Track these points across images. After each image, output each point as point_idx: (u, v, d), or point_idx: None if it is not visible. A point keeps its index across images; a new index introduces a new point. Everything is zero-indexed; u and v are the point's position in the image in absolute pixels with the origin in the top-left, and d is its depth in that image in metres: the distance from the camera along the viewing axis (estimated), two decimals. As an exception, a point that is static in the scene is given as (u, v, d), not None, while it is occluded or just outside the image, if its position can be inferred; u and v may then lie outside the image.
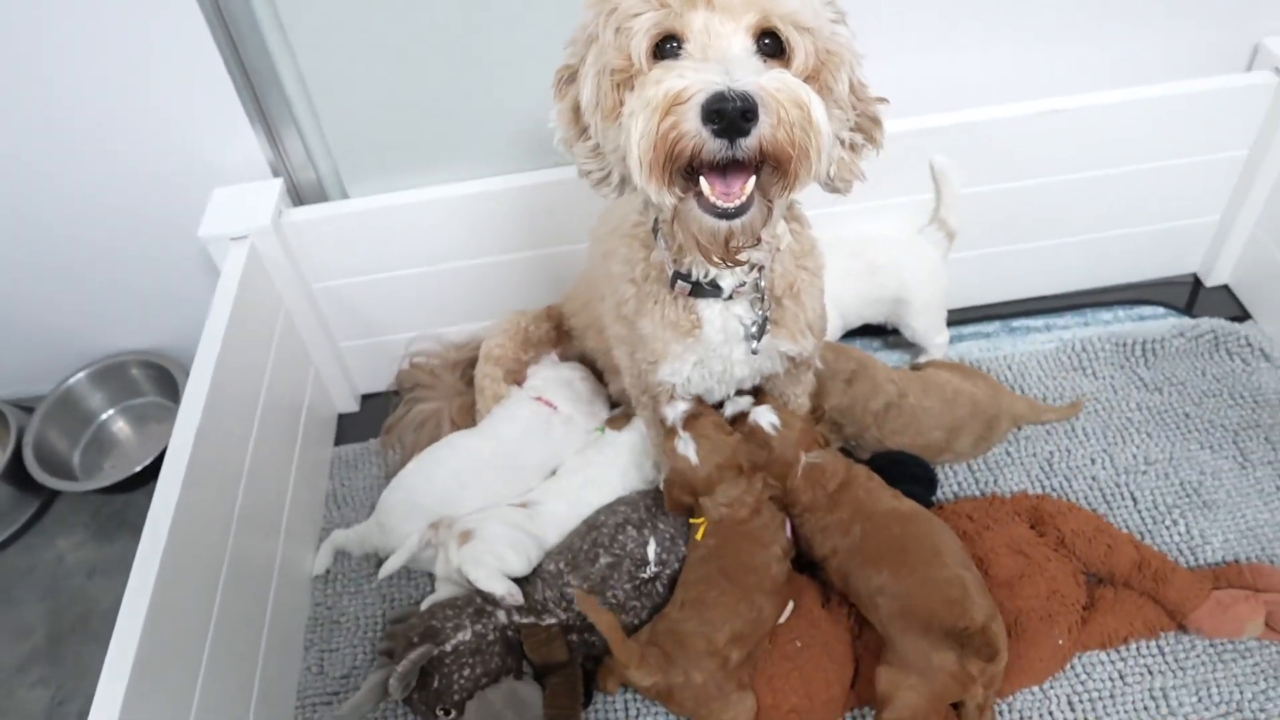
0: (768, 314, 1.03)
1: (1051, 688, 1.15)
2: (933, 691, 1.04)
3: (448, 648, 1.08)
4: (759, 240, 0.88)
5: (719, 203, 0.81)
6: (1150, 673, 1.16)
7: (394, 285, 1.48)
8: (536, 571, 1.21)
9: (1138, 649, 1.18)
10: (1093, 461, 1.38)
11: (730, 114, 0.74)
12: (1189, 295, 1.62)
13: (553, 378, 1.40)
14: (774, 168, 0.80)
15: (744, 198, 0.82)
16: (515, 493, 1.32)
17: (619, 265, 1.07)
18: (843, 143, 0.89)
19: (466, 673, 1.08)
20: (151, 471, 1.54)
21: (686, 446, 1.16)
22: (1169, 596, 1.17)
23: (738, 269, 0.98)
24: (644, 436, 1.31)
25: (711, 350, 1.05)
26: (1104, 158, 1.46)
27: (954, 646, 1.03)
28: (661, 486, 1.23)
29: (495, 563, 1.19)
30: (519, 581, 1.19)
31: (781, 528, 1.19)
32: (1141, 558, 1.19)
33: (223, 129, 1.35)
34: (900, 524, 1.12)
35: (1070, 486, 1.35)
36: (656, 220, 1.00)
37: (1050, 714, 1.14)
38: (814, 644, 1.12)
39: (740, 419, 1.18)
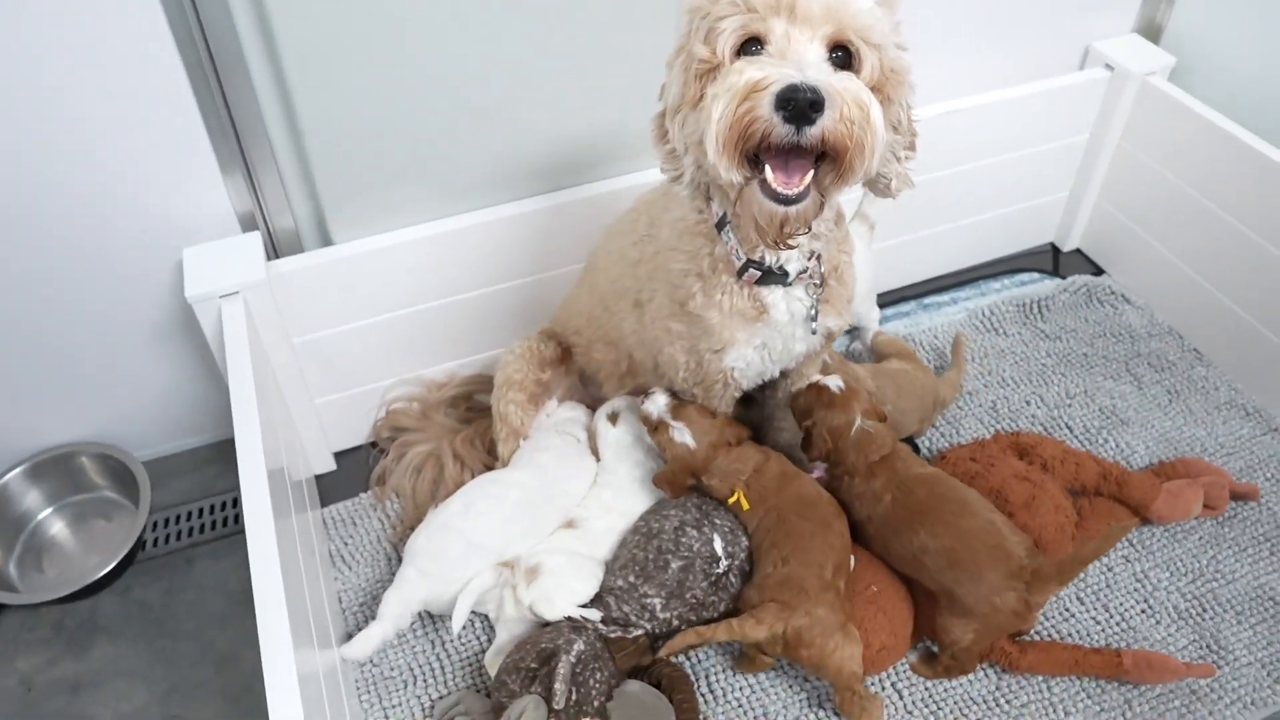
0: (819, 295, 1.15)
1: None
2: (997, 628, 1.18)
3: (573, 658, 1.10)
4: (809, 228, 1.00)
5: (780, 189, 0.93)
6: (1129, 560, 1.38)
7: (373, 331, 1.46)
8: (604, 589, 1.23)
9: (1115, 547, 1.39)
10: (1028, 403, 1.61)
11: (800, 103, 0.85)
12: (1053, 261, 1.92)
13: (565, 417, 1.44)
14: (831, 162, 0.92)
15: (802, 186, 0.93)
16: (559, 520, 1.35)
17: (681, 263, 1.15)
18: (897, 158, 1.03)
19: (599, 676, 1.10)
20: (114, 573, 1.41)
21: (683, 434, 1.26)
22: (1132, 496, 1.39)
23: (799, 256, 1.10)
24: (634, 424, 1.38)
25: (777, 332, 1.15)
26: (979, 150, 1.72)
27: (1015, 586, 1.15)
28: (655, 480, 1.31)
29: (567, 596, 1.21)
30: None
31: (801, 465, 1.31)
32: (1103, 469, 1.40)
33: (189, 183, 1.29)
34: (925, 486, 1.25)
35: (1018, 425, 1.56)
36: (724, 215, 1.09)
37: (1066, 609, 1.32)
38: (886, 586, 1.23)
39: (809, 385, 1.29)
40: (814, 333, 1.16)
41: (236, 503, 1.53)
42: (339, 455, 1.58)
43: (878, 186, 1.05)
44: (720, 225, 1.12)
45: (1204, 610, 1.32)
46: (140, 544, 1.47)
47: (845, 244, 1.16)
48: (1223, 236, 1.60)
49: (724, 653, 1.28)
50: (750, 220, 0.98)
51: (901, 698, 1.24)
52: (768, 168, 0.92)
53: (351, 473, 1.56)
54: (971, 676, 1.25)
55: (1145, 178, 1.73)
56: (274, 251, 1.39)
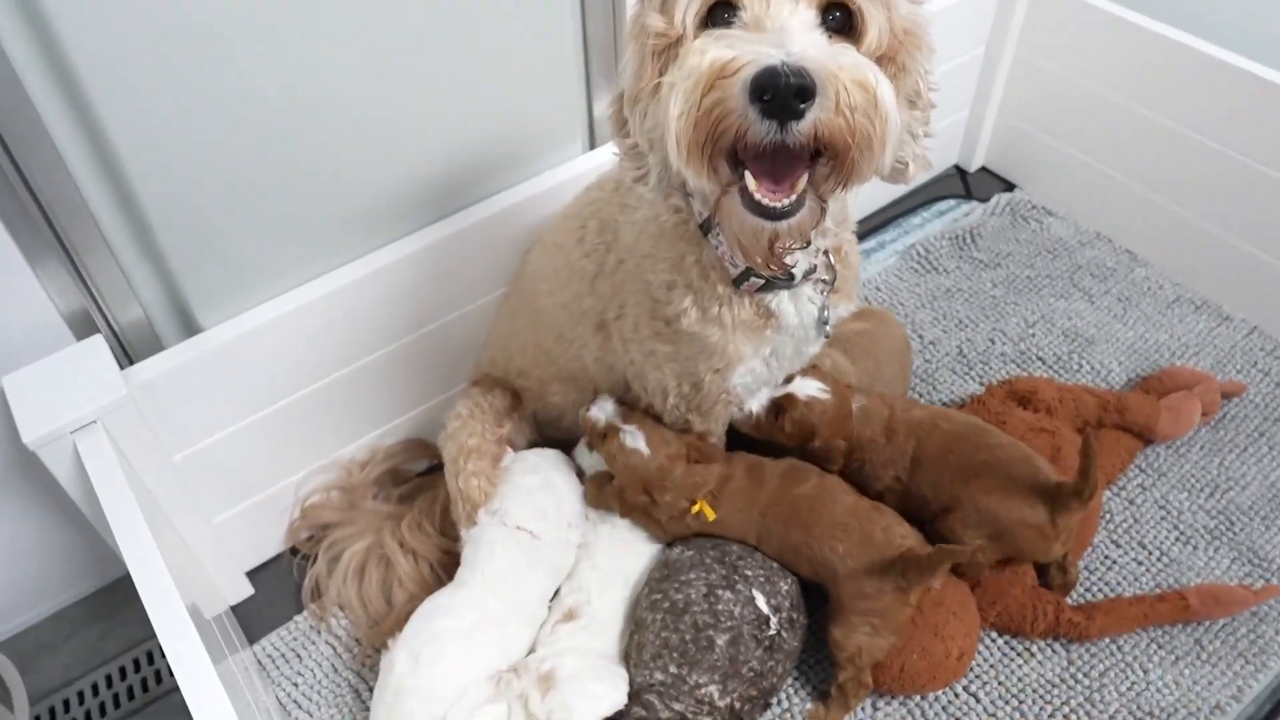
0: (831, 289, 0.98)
1: (1094, 534, 1.26)
2: (1019, 549, 1.09)
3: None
4: (808, 241, 0.82)
5: (765, 200, 0.73)
6: (1145, 488, 1.31)
7: (270, 424, 1.19)
8: (640, 688, 1.02)
9: (1128, 476, 1.32)
10: (993, 342, 1.52)
11: (782, 91, 0.65)
12: (962, 184, 1.84)
13: (515, 496, 1.16)
14: (830, 158, 0.73)
15: (793, 196, 0.74)
16: (531, 632, 1.12)
17: (661, 273, 0.95)
18: (914, 137, 0.84)
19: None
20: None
21: (635, 439, 1.10)
22: (1134, 420, 1.32)
23: (805, 254, 0.92)
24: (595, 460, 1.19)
25: (788, 338, 0.98)
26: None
27: (1045, 501, 1.06)
28: (588, 496, 1.17)
29: (590, 706, 1.00)
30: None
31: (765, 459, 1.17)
32: (1100, 400, 1.33)
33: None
34: (943, 420, 1.15)
35: (989, 368, 1.47)
36: (711, 216, 0.90)
37: (1106, 557, 1.24)
38: (944, 581, 1.10)
39: (786, 405, 1.12)
40: (827, 333, 1.00)
41: (140, 665, 1.23)
42: (253, 574, 1.30)
43: (889, 175, 0.85)
44: (706, 227, 0.93)
45: (1232, 524, 1.27)
46: (26, 752, 1.16)
47: (846, 222, 1.00)
48: (1135, 129, 1.55)
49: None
50: (732, 237, 0.79)
51: (979, 701, 1.12)
52: (748, 174, 0.73)
53: (274, 592, 1.29)
54: (1042, 660, 1.15)
55: (1047, 83, 1.66)
56: (126, 356, 1.09)
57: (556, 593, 1.15)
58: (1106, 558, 1.24)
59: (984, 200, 1.78)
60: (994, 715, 1.11)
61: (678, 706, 0.99)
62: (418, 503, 1.28)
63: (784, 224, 0.75)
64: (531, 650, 1.09)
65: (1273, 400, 1.41)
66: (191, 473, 1.15)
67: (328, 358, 1.19)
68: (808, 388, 1.12)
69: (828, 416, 1.12)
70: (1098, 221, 1.70)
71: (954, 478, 1.11)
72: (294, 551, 1.30)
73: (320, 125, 1.06)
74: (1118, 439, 1.32)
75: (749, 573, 1.06)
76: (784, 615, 1.05)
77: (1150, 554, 1.25)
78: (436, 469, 1.32)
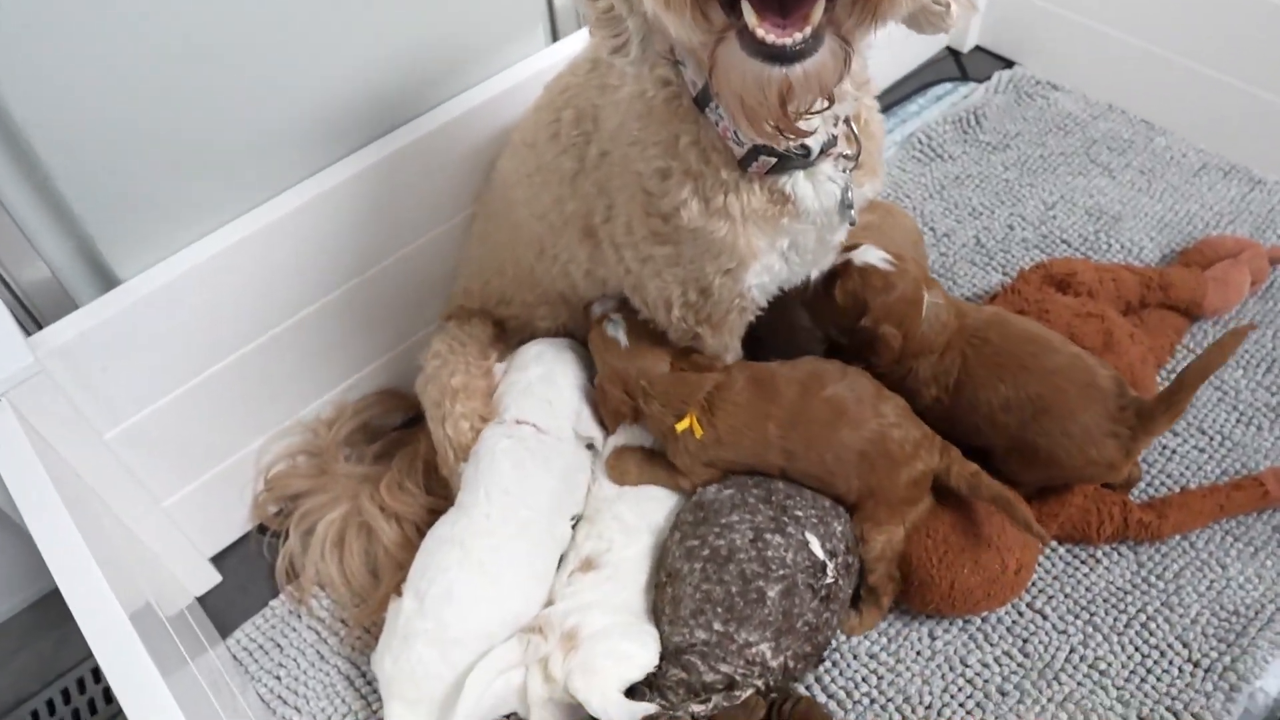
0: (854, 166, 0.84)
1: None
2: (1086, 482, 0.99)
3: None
4: (830, 100, 0.68)
5: (771, 38, 0.59)
6: (1196, 371, 1.19)
7: (215, 385, 1.03)
8: (679, 649, 0.89)
9: (1177, 358, 1.20)
10: (1011, 228, 1.38)
11: None
12: (957, 66, 1.68)
13: (514, 390, 1.05)
14: None
15: (807, 31, 0.59)
16: (557, 553, 0.99)
17: (652, 159, 0.80)
18: None
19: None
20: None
21: (616, 329, 0.99)
22: (1181, 297, 1.19)
23: (822, 123, 0.77)
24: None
25: (809, 225, 0.84)
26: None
27: (1117, 431, 0.95)
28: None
29: (619, 671, 0.87)
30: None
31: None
32: (1142, 278, 1.20)
33: None
34: (995, 329, 1.01)
35: (1012, 255, 1.34)
36: (708, 83, 0.75)
37: (1165, 448, 1.12)
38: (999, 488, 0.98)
39: (840, 272, 0.99)
40: (853, 219, 0.85)
41: (101, 675, 1.08)
42: (219, 560, 1.16)
43: (925, 18, 0.71)
44: (704, 99, 0.78)
45: (1295, 398, 1.16)
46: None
47: (866, 83, 0.85)
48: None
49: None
50: (733, 98, 0.64)
51: (1046, 618, 1.00)
52: (746, 6, 0.58)
53: (245, 577, 1.14)
54: (1109, 566, 1.03)
55: (1044, -58, 1.51)
56: (33, 320, 0.93)
57: (575, 524, 1.02)
58: (1165, 448, 1.12)
59: (983, 80, 1.63)
60: (1064, 632, 0.99)
61: (724, 669, 0.86)
62: (396, 460, 1.13)
63: (797, 69, 0.60)
64: (551, 601, 0.95)
65: (1321, 263, 1.29)
66: (129, 451, 0.99)
67: (274, 305, 1.03)
68: (868, 255, 0.98)
69: (886, 296, 0.98)
70: (1108, 92, 1.56)
71: (1006, 414, 0.97)
72: (262, 529, 1.16)
73: (227, 30, 0.89)
74: (1164, 318, 1.19)
75: (799, 513, 0.92)
76: (840, 560, 0.92)
77: (1211, 440, 1.13)
78: (415, 421, 1.17)
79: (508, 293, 1.06)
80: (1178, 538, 1.04)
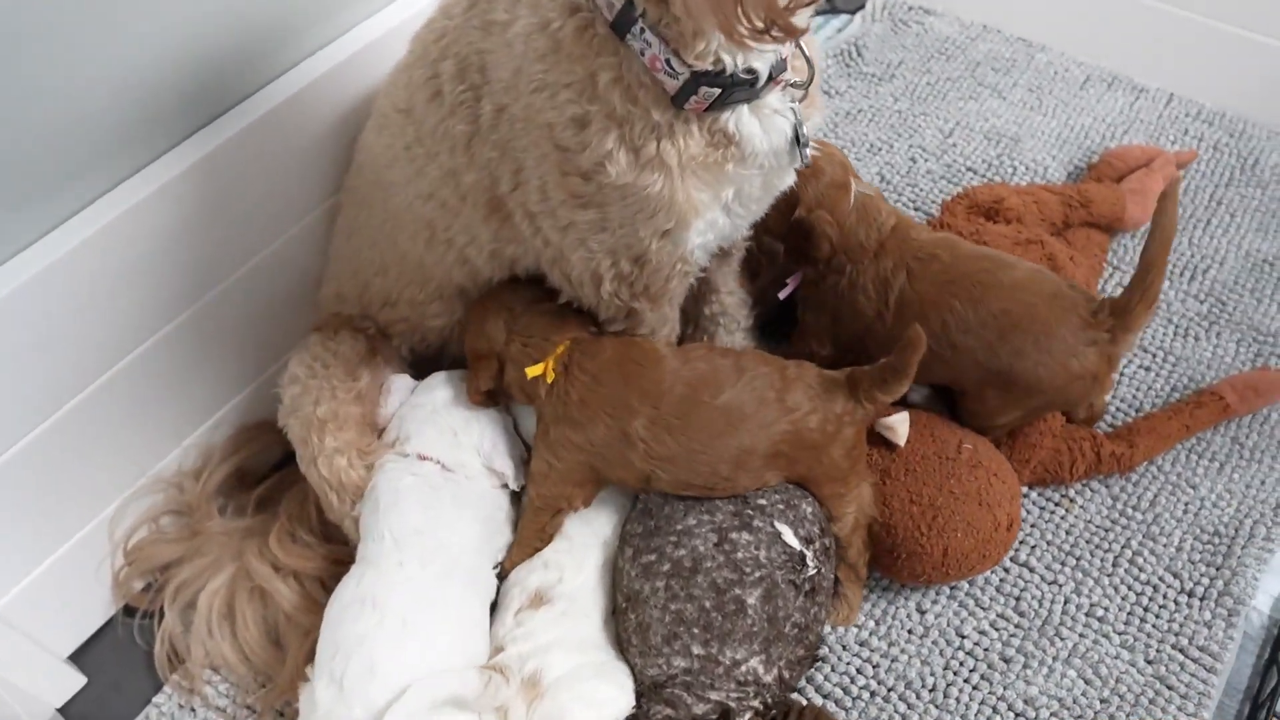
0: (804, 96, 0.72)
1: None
2: (1069, 401, 0.93)
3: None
4: None
5: None
6: (1124, 286, 1.15)
7: (38, 453, 0.83)
8: (659, 682, 0.77)
9: (1105, 273, 1.16)
10: (914, 160, 1.31)
11: None
12: (826, -2, 1.60)
13: (414, 417, 0.89)
14: None
15: None
16: (482, 593, 0.84)
17: (565, 104, 0.67)
18: None
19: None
20: None
21: None
22: (1102, 212, 1.16)
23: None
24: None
25: (755, 170, 0.72)
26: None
27: (1095, 338, 0.88)
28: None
29: (592, 715, 0.75)
30: None
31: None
32: (1062, 197, 1.16)
33: None
34: (944, 248, 0.94)
35: (916, 187, 1.27)
36: (626, 4, 0.62)
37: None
38: (975, 440, 0.90)
39: None
40: (805, 158, 0.74)
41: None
42: (81, 657, 0.95)
43: None
44: (622, 24, 0.64)
45: (1223, 304, 1.14)
46: None
47: None
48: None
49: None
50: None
51: (1034, 570, 0.94)
52: None
53: (116, 673, 0.94)
54: (1085, 505, 0.98)
55: None
56: None
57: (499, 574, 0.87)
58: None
59: (852, 12, 1.55)
60: (1054, 582, 0.93)
61: (715, 696, 0.75)
62: (284, 506, 0.95)
63: None
64: (499, 649, 0.81)
65: (1218, 165, 1.28)
66: (-63, 548, 0.78)
67: (103, 343, 0.84)
68: None
69: (816, 182, 0.90)
70: (981, 13, 1.51)
71: (968, 337, 0.90)
72: (130, 611, 0.95)
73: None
74: (1089, 236, 1.16)
75: (763, 501, 0.81)
76: (817, 546, 0.81)
77: (1154, 357, 1.09)
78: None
79: (391, 293, 0.90)
80: (1143, 466, 1.00)
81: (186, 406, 0.95)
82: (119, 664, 0.95)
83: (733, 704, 0.74)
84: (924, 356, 0.90)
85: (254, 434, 1.01)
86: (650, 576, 0.78)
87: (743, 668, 0.75)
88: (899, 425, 0.89)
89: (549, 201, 0.72)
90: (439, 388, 0.90)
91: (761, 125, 0.70)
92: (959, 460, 0.88)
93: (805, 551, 0.79)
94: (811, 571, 0.79)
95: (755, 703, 0.75)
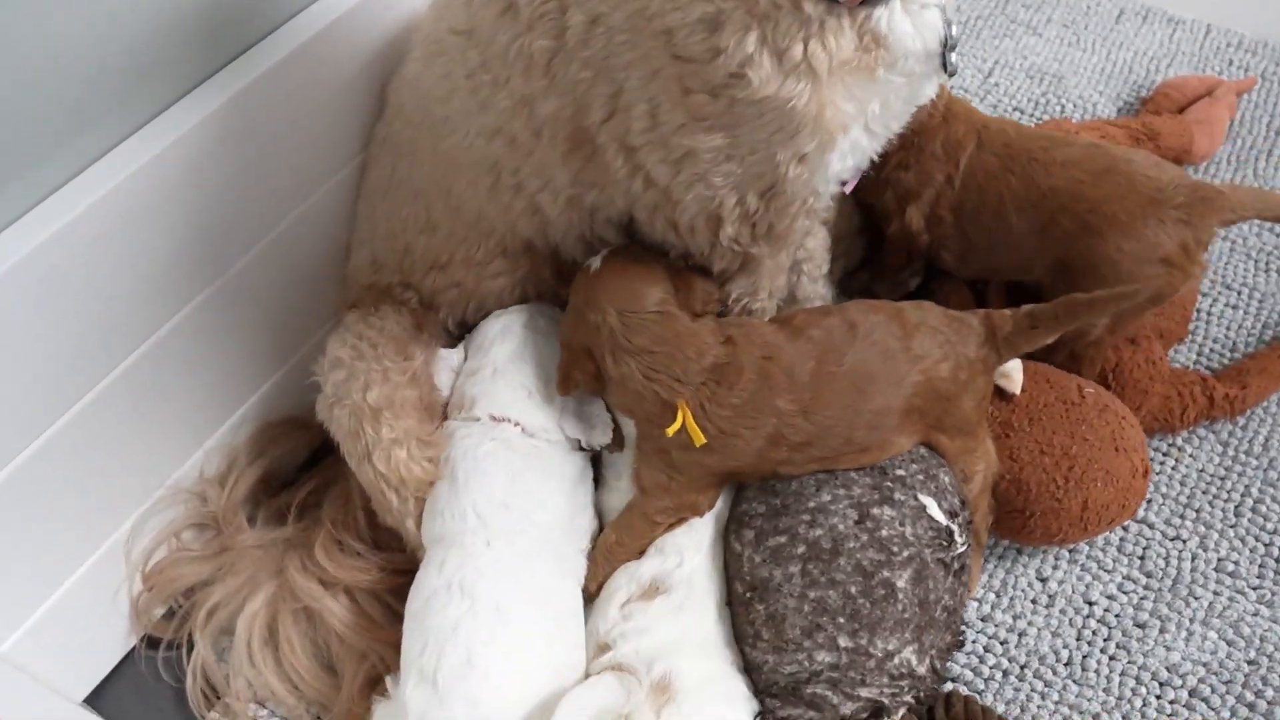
0: None
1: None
2: (1150, 298, 0.83)
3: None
4: None
5: None
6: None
7: (40, 466, 0.71)
8: (802, 680, 0.68)
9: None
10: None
11: None
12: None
13: (477, 380, 0.78)
14: None
15: None
16: (574, 577, 0.75)
17: (690, 4, 0.57)
18: None
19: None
20: None
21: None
22: (1169, 145, 1.09)
23: None
24: None
25: (902, 78, 0.63)
26: None
27: (1178, 220, 0.81)
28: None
29: None
30: None
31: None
32: (1128, 130, 1.09)
33: None
34: (1011, 125, 0.90)
35: (969, 133, 1.20)
36: None
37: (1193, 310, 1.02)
38: (1089, 384, 0.83)
39: None
40: (954, 64, 0.65)
41: None
42: (98, 699, 0.82)
43: None
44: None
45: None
46: None
47: None
48: None
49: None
50: None
51: (1154, 527, 0.87)
52: None
53: (141, 713, 0.82)
54: (1194, 454, 0.91)
55: None
56: None
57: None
58: (1199, 311, 1.02)
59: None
60: (1177, 538, 0.86)
61: (866, 693, 0.66)
62: (326, 510, 0.84)
63: None
64: (603, 646, 0.70)
65: (1270, 94, 1.23)
66: (-68, 587, 0.65)
67: (108, 336, 0.72)
68: None
69: None
70: (1003, -54, 1.44)
71: (1024, 224, 0.85)
72: (153, 643, 0.83)
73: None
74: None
75: (901, 472, 0.71)
76: (961, 519, 0.73)
77: (1239, 294, 1.03)
78: (327, 451, 0.87)
79: (441, 254, 0.78)
80: (1249, 411, 0.93)
81: (205, 404, 0.83)
82: (141, 704, 0.83)
83: (886, 700, 0.66)
84: (987, 241, 0.87)
85: (280, 431, 0.89)
86: (782, 561, 0.68)
87: (896, 659, 0.66)
88: (1014, 372, 0.81)
89: (660, 129, 0.62)
90: (493, 345, 0.79)
91: (913, 23, 0.61)
92: (1085, 404, 0.80)
93: (952, 526, 0.71)
94: (961, 548, 0.71)
95: (909, 697, 0.67)
